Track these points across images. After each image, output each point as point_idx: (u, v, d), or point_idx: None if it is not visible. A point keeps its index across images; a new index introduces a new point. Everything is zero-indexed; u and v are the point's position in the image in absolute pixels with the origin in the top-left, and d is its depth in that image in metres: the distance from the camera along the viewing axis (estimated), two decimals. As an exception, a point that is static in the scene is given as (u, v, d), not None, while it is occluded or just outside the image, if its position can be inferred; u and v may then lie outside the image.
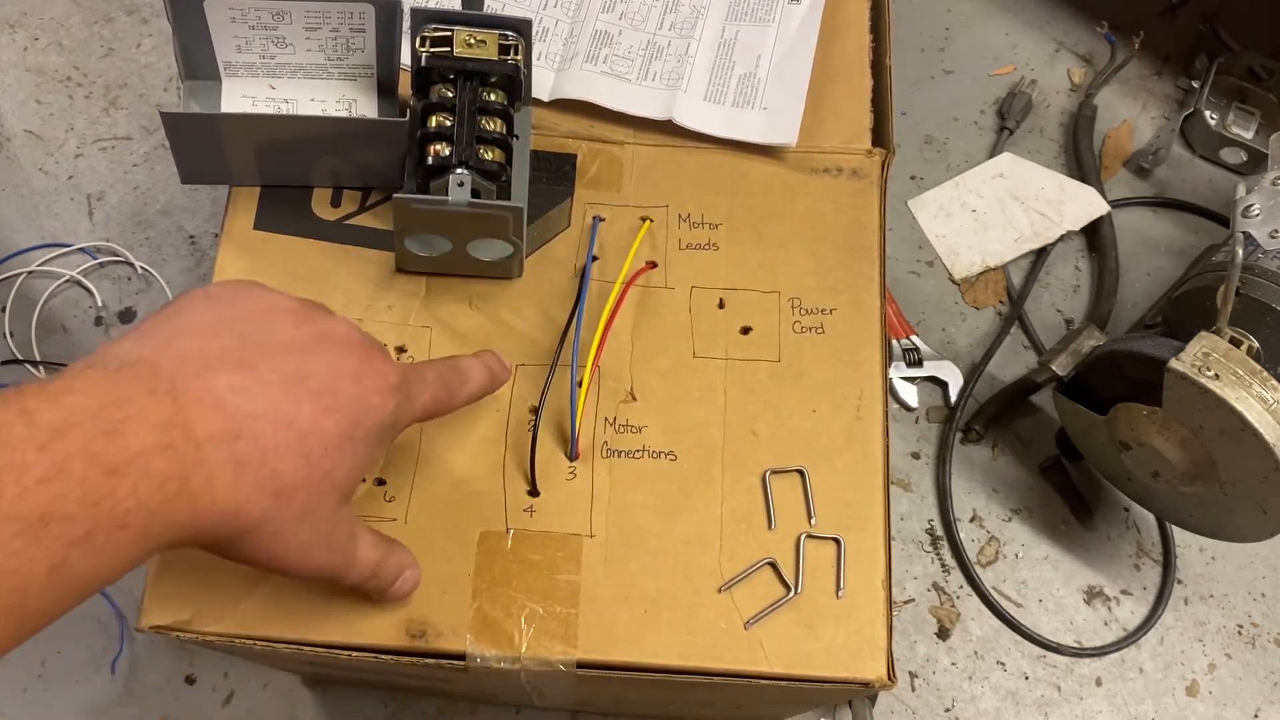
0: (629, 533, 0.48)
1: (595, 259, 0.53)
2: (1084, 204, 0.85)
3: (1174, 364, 0.59)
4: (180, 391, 0.34)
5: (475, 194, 0.48)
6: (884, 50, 0.58)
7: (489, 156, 0.49)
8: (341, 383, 0.38)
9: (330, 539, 0.39)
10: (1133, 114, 0.91)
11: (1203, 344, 0.59)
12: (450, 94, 0.49)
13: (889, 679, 0.46)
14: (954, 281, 0.84)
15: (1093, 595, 0.75)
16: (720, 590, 0.47)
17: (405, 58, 0.53)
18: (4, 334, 0.77)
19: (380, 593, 0.44)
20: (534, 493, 0.48)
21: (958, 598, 0.75)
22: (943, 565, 0.76)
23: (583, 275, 0.52)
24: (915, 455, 0.79)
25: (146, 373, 0.34)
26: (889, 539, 0.49)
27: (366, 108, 0.54)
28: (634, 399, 0.50)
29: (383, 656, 0.45)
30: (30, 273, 0.79)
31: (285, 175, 0.53)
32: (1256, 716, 0.73)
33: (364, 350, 0.40)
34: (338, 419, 0.37)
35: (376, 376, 0.39)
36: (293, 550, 0.38)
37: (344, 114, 0.53)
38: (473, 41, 0.50)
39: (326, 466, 0.37)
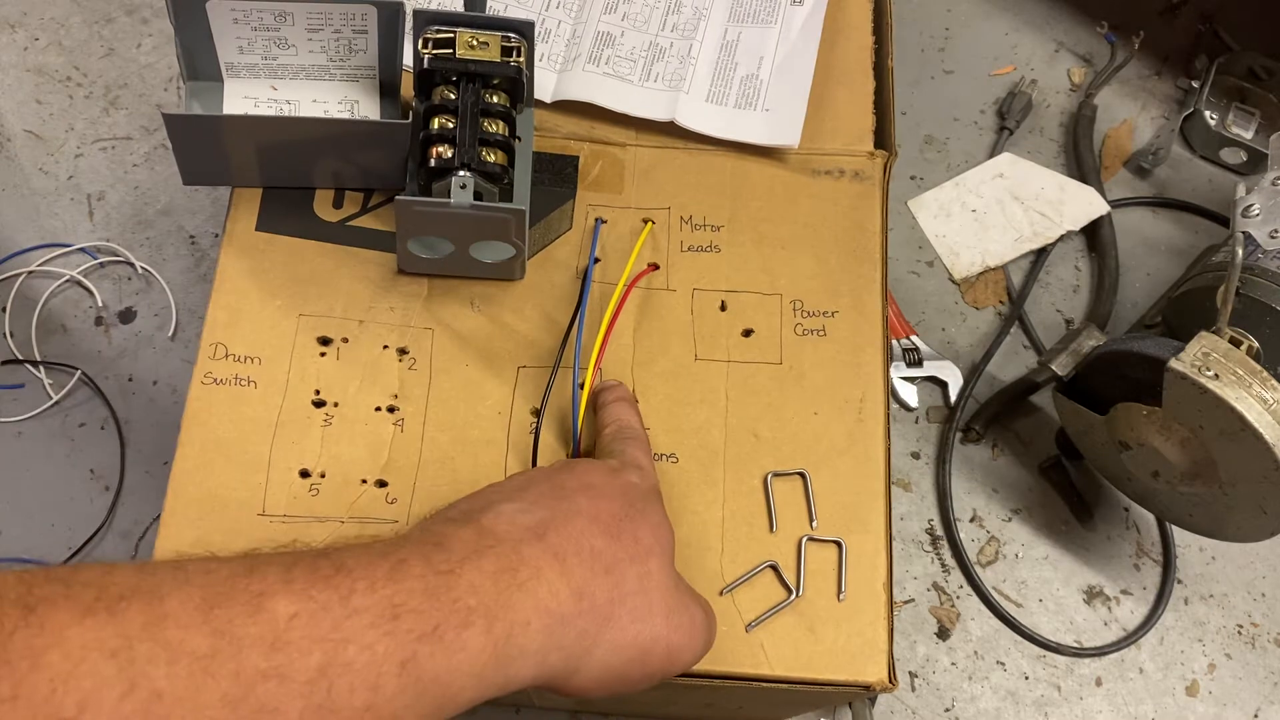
0: (631, 535, 0.48)
1: (597, 261, 0.53)
2: (1084, 204, 0.85)
3: (1174, 364, 0.59)
4: (476, 521, 0.38)
5: (477, 196, 0.48)
6: (886, 52, 0.58)
7: (491, 158, 0.49)
8: (594, 479, 0.43)
9: (690, 597, 0.43)
10: (1133, 114, 0.91)
11: (1203, 344, 0.59)
12: (453, 96, 0.49)
13: (890, 682, 0.46)
14: (954, 281, 0.84)
15: (1093, 595, 0.75)
16: (722, 593, 0.47)
17: (407, 59, 0.53)
18: (4, 334, 0.77)
19: None
20: (536, 495, 0.49)
21: (958, 598, 0.75)
22: (943, 565, 0.76)
23: (584, 277, 0.52)
24: (915, 455, 0.79)
25: (441, 520, 0.39)
26: (890, 542, 0.49)
27: (369, 109, 0.54)
28: (636, 401, 0.50)
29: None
30: (30, 273, 0.79)
31: (287, 176, 0.53)
32: (1256, 716, 0.73)
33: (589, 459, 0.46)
34: (609, 500, 0.42)
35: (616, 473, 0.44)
36: (660, 623, 0.40)
37: (346, 115, 0.53)
38: (475, 43, 0.50)
39: (631, 536, 0.41)
